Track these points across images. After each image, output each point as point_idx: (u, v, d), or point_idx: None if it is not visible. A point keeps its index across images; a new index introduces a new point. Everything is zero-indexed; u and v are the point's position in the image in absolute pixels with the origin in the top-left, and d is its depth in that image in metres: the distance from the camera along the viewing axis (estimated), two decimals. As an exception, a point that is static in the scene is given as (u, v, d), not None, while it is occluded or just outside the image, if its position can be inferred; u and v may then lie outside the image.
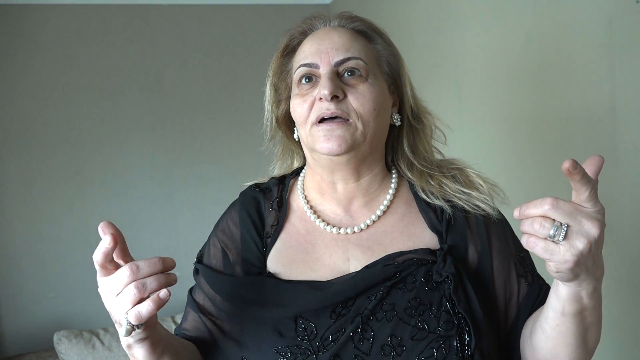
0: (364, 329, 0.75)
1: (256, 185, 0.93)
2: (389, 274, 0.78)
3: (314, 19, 0.88)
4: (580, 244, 0.61)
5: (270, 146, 0.94)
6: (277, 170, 0.97)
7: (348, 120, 0.79)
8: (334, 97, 0.79)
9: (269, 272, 0.83)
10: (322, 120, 0.80)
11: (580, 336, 0.73)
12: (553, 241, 0.61)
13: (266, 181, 0.94)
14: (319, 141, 0.79)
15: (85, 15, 2.55)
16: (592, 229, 0.61)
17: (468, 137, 1.83)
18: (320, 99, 0.79)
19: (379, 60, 0.86)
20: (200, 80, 2.71)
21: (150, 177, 2.64)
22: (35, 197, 2.49)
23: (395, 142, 0.90)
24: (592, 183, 0.62)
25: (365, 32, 0.87)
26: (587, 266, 0.64)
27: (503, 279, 0.82)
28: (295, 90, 0.85)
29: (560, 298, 0.69)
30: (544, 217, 0.61)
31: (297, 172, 0.94)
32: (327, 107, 0.79)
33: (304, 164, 0.93)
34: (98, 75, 2.57)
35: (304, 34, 0.88)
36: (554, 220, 0.61)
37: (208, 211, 2.62)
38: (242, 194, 0.92)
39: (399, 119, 0.87)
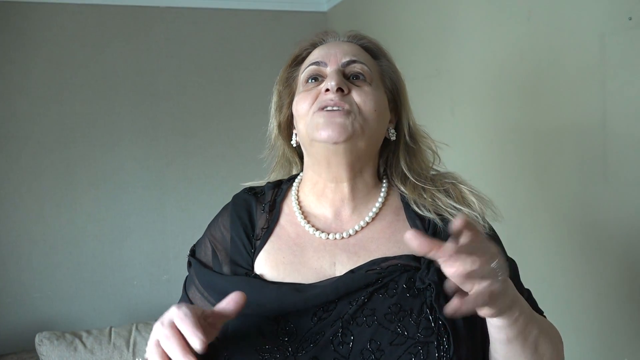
0: (344, 333, 0.76)
1: (250, 189, 0.95)
2: (371, 280, 0.79)
3: (324, 33, 0.94)
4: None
5: (269, 156, 0.97)
6: (272, 179, 0.98)
7: (349, 112, 0.82)
8: (339, 90, 0.82)
9: (255, 274, 0.84)
10: (323, 109, 0.82)
11: (531, 352, 0.75)
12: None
13: (262, 185, 0.96)
14: (318, 128, 0.81)
15: (81, 15, 2.54)
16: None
17: (460, 150, 1.83)
18: (327, 90, 0.83)
19: (382, 76, 0.90)
20: (194, 84, 2.69)
21: (141, 180, 2.62)
22: (23, 196, 2.46)
23: (390, 156, 0.93)
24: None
25: (372, 50, 0.92)
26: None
27: None
28: (300, 89, 0.89)
29: (501, 328, 0.71)
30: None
31: (293, 178, 0.96)
32: (331, 98, 0.82)
33: (301, 172, 0.95)
34: (92, 75, 2.55)
35: (314, 46, 0.93)
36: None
37: (198, 215, 2.60)
38: (235, 196, 0.94)
39: (394, 135, 0.90)
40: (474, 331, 0.79)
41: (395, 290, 0.78)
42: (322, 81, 0.86)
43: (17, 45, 2.45)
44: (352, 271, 0.81)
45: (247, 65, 2.73)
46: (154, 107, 2.64)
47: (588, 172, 1.36)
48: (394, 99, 0.91)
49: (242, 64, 2.73)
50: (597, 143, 1.33)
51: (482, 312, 0.66)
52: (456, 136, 1.85)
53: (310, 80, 0.87)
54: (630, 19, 1.22)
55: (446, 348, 0.74)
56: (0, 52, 2.43)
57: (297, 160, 0.97)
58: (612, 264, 1.32)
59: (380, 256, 0.82)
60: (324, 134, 0.80)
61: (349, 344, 0.75)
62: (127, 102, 2.60)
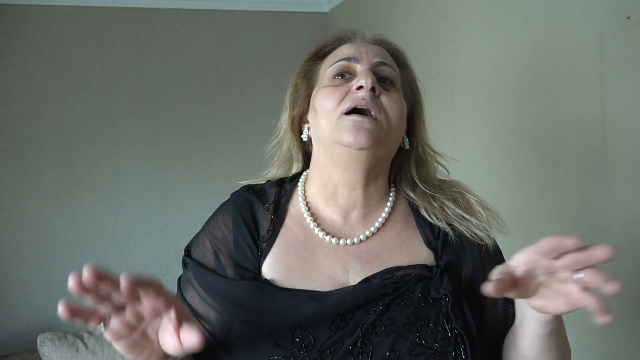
0: (363, 343, 0.74)
1: (249, 187, 0.90)
2: (388, 289, 0.77)
3: (351, 31, 0.91)
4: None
5: (274, 149, 0.94)
6: (270, 175, 0.94)
7: (376, 119, 0.79)
8: (372, 90, 0.79)
9: (265, 279, 0.81)
10: (352, 111, 0.79)
11: (562, 345, 0.75)
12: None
13: (262, 183, 0.91)
14: (346, 131, 0.78)
15: (82, 17, 2.55)
16: None
17: (460, 149, 1.83)
18: (359, 87, 0.80)
19: (404, 84, 0.88)
20: (195, 85, 2.70)
21: (142, 180, 2.63)
22: (25, 197, 2.47)
23: (401, 163, 0.90)
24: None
25: (397, 57, 0.90)
26: None
27: (491, 304, 0.82)
28: (324, 83, 0.85)
29: (548, 322, 0.70)
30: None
31: (295, 177, 0.92)
32: (362, 97, 0.79)
33: (302, 171, 0.92)
34: (93, 77, 2.56)
35: (339, 42, 0.89)
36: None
37: (200, 216, 2.58)
38: (235, 195, 0.89)
39: (408, 143, 0.89)
40: (487, 341, 0.79)
41: (411, 299, 0.77)
42: (350, 79, 0.83)
43: (19, 47, 2.46)
44: (366, 280, 0.79)
45: (248, 66, 2.74)
46: (156, 108, 2.64)
47: (587, 171, 1.36)
48: (412, 108, 0.89)
49: (243, 65, 2.73)
50: (596, 142, 1.33)
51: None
52: (456, 136, 1.85)
53: (337, 77, 0.84)
54: (628, 18, 1.22)
55: (463, 358, 0.74)
56: (2, 54, 2.44)
57: (300, 157, 0.92)
58: (611, 264, 1.32)
59: (392, 265, 0.81)
60: (351, 138, 0.77)
61: (369, 353, 0.74)
62: (128, 103, 2.60)
